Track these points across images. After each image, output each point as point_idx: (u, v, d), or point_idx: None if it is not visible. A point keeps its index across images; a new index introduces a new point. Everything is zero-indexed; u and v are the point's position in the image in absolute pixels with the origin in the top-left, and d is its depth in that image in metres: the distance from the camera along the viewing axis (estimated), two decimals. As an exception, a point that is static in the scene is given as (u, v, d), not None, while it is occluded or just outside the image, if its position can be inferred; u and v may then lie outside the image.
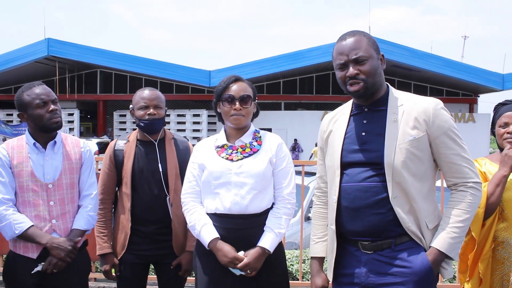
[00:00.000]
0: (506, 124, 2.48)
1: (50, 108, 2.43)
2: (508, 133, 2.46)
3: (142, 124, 2.69)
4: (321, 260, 2.19)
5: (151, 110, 2.67)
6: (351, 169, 1.99)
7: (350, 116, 2.08)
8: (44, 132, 2.46)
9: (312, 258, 2.21)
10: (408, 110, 1.96)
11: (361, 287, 1.97)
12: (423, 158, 1.94)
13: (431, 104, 1.97)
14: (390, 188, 1.90)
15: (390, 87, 2.06)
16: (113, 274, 2.75)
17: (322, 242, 2.18)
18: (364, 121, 2.02)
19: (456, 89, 22.81)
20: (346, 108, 2.14)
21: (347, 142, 2.03)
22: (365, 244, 1.97)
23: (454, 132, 1.96)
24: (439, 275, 1.98)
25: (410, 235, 1.91)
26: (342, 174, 2.01)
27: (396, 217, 1.90)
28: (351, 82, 1.96)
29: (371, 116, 2.02)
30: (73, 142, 2.59)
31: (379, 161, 1.93)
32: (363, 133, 2.00)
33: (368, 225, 1.94)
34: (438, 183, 3.70)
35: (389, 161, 1.91)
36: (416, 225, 1.91)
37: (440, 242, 1.90)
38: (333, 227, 2.04)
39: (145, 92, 2.72)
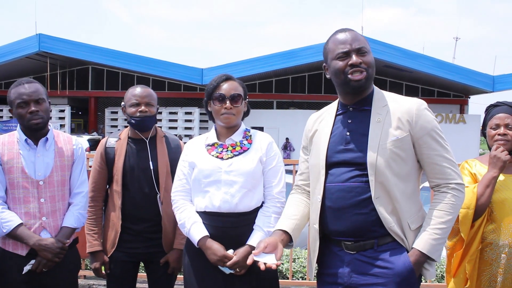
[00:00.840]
0: (497, 126, 2.50)
1: (30, 109, 2.40)
2: (498, 134, 2.48)
3: (133, 121, 2.69)
4: (282, 232, 2.05)
5: (142, 107, 2.67)
6: (336, 169, 1.99)
7: (336, 115, 2.08)
8: (29, 131, 2.45)
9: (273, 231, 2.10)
10: (392, 110, 1.96)
11: (344, 287, 1.97)
12: (407, 159, 1.94)
13: (414, 104, 1.97)
14: (372, 188, 1.90)
15: (375, 87, 2.06)
16: (103, 272, 2.74)
17: (284, 219, 2.10)
18: (349, 121, 2.02)
19: (447, 90, 22.94)
20: (331, 108, 2.13)
21: (332, 142, 2.02)
22: (348, 244, 1.97)
23: (438, 133, 1.96)
24: (422, 276, 1.98)
25: (392, 236, 1.91)
26: (326, 174, 2.01)
27: (378, 217, 1.90)
28: (354, 71, 1.94)
29: (355, 116, 2.02)
30: (65, 139, 2.58)
31: (362, 161, 1.93)
32: (348, 133, 2.00)
33: (351, 225, 1.94)
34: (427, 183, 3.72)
35: (372, 161, 1.91)
36: (398, 226, 1.91)
37: (422, 243, 1.89)
38: (316, 226, 2.04)
39: (137, 90, 2.72)
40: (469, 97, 23.93)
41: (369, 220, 1.91)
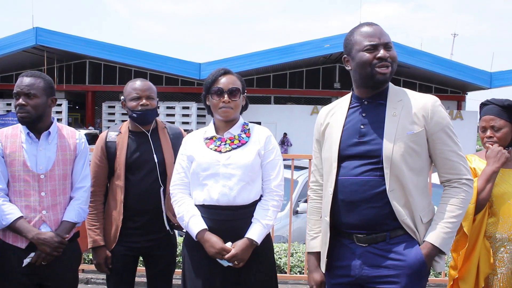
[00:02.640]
0: (484, 128, 2.52)
1: (18, 102, 2.40)
2: (486, 137, 2.51)
3: (135, 115, 2.68)
4: (318, 255, 2.17)
5: (144, 100, 2.67)
6: (348, 162, 2.01)
7: (349, 109, 2.09)
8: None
9: (309, 253, 2.20)
10: (407, 105, 1.99)
11: (355, 279, 2.00)
12: (421, 153, 1.97)
13: (430, 100, 2.00)
14: (387, 181, 1.92)
15: (389, 82, 2.08)
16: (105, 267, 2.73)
17: (320, 237, 2.17)
18: (363, 114, 2.04)
19: (444, 86, 22.96)
20: (344, 102, 2.15)
21: (345, 135, 2.04)
22: (360, 237, 1.99)
23: (451, 130, 2.00)
24: (431, 269, 2.02)
25: (404, 229, 1.94)
26: (339, 167, 2.02)
27: (392, 210, 1.93)
28: (382, 64, 1.96)
29: (370, 109, 2.04)
30: (68, 133, 2.56)
31: (377, 154, 1.95)
32: (362, 126, 2.02)
33: (364, 219, 1.96)
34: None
35: (388, 154, 1.93)
36: (410, 219, 1.94)
37: (434, 236, 1.94)
38: (327, 218, 2.05)
39: (137, 83, 2.72)
40: (467, 93, 23.96)
41: (382, 213, 1.94)
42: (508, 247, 2.40)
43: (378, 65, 1.96)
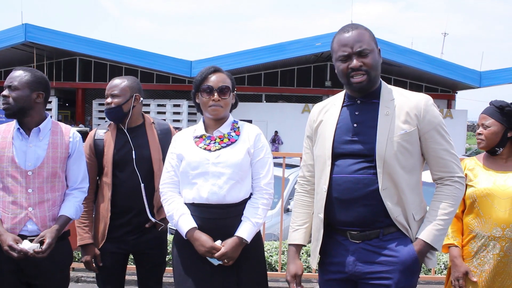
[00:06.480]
0: (478, 126, 2.59)
1: (2, 93, 2.41)
2: (477, 134, 2.57)
3: (105, 114, 2.72)
4: (298, 247, 2.21)
5: (108, 99, 2.70)
6: (342, 160, 2.02)
7: (342, 107, 2.11)
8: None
9: (289, 245, 2.23)
10: (400, 104, 2.01)
11: (348, 275, 2.03)
12: (413, 152, 1.99)
13: (422, 99, 2.03)
14: (380, 180, 1.94)
15: (382, 81, 2.10)
16: (94, 265, 2.71)
17: (301, 230, 2.21)
18: (356, 113, 2.06)
19: (435, 85, 23.11)
20: (337, 99, 2.16)
21: (338, 133, 2.05)
22: (354, 234, 2.01)
23: (443, 128, 2.02)
24: (422, 265, 2.05)
25: (397, 226, 1.97)
26: (332, 164, 2.04)
27: (385, 208, 1.95)
28: (355, 74, 1.98)
29: (363, 108, 2.05)
30: (62, 130, 2.53)
31: (370, 153, 1.97)
32: (355, 125, 2.03)
33: (358, 216, 1.99)
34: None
35: (381, 153, 1.95)
36: (403, 216, 1.97)
37: (426, 233, 1.97)
38: (321, 215, 2.07)
39: (110, 82, 2.74)
40: (457, 92, 24.14)
41: (375, 211, 1.97)
42: (489, 246, 2.45)
43: (352, 75, 1.99)
